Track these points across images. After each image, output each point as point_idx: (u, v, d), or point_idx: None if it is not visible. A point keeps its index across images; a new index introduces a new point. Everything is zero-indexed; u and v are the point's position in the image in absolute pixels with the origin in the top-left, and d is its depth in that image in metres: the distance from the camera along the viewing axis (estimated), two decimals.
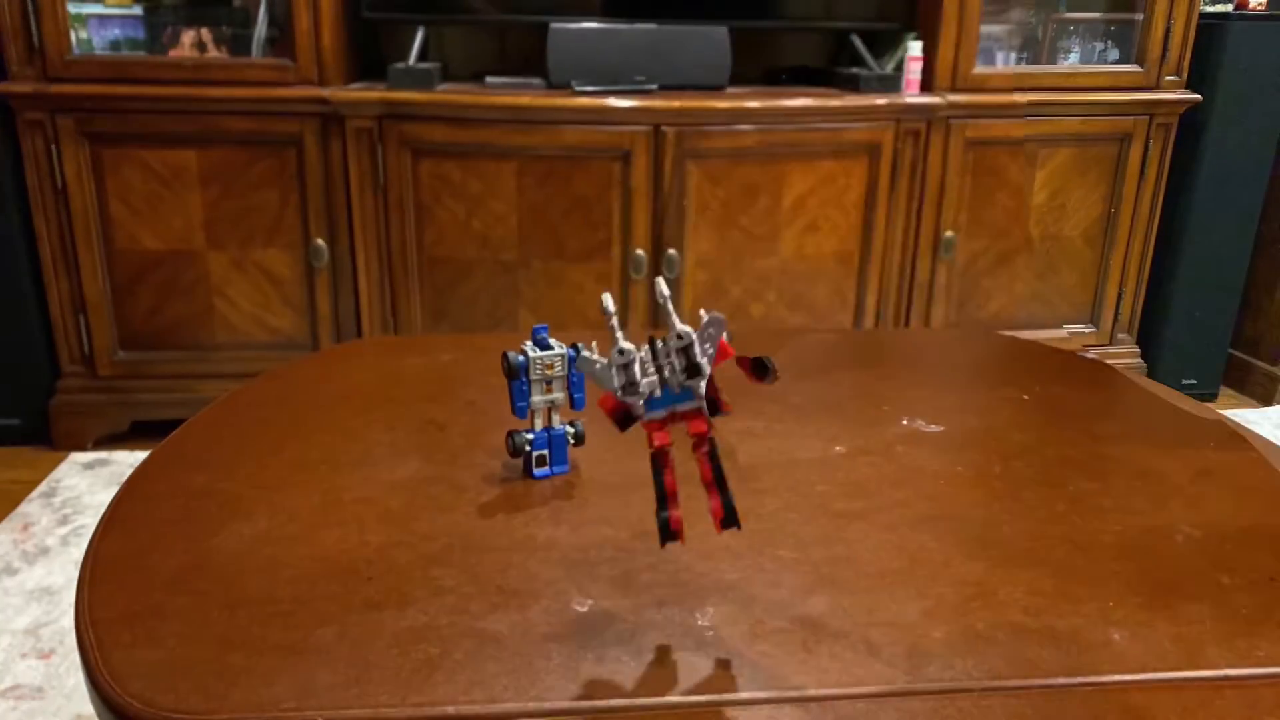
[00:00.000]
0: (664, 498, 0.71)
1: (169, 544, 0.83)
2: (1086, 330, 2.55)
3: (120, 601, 0.75)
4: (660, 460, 0.71)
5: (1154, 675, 0.69)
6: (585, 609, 0.75)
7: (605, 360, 0.71)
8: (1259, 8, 2.56)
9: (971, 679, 0.68)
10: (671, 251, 2.16)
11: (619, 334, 0.71)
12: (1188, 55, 2.39)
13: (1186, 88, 2.41)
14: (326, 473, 0.96)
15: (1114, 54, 2.50)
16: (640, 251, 2.16)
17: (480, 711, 0.65)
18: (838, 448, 1.03)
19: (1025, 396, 1.19)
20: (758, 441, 1.04)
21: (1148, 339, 2.63)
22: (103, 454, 2.24)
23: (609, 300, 0.71)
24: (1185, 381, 2.64)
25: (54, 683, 1.47)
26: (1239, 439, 1.08)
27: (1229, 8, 2.66)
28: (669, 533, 0.71)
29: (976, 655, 0.70)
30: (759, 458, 1.00)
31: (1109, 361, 2.48)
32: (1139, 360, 2.60)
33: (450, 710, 0.65)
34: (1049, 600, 0.77)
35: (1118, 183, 2.43)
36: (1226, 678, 0.69)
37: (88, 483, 2.10)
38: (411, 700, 0.65)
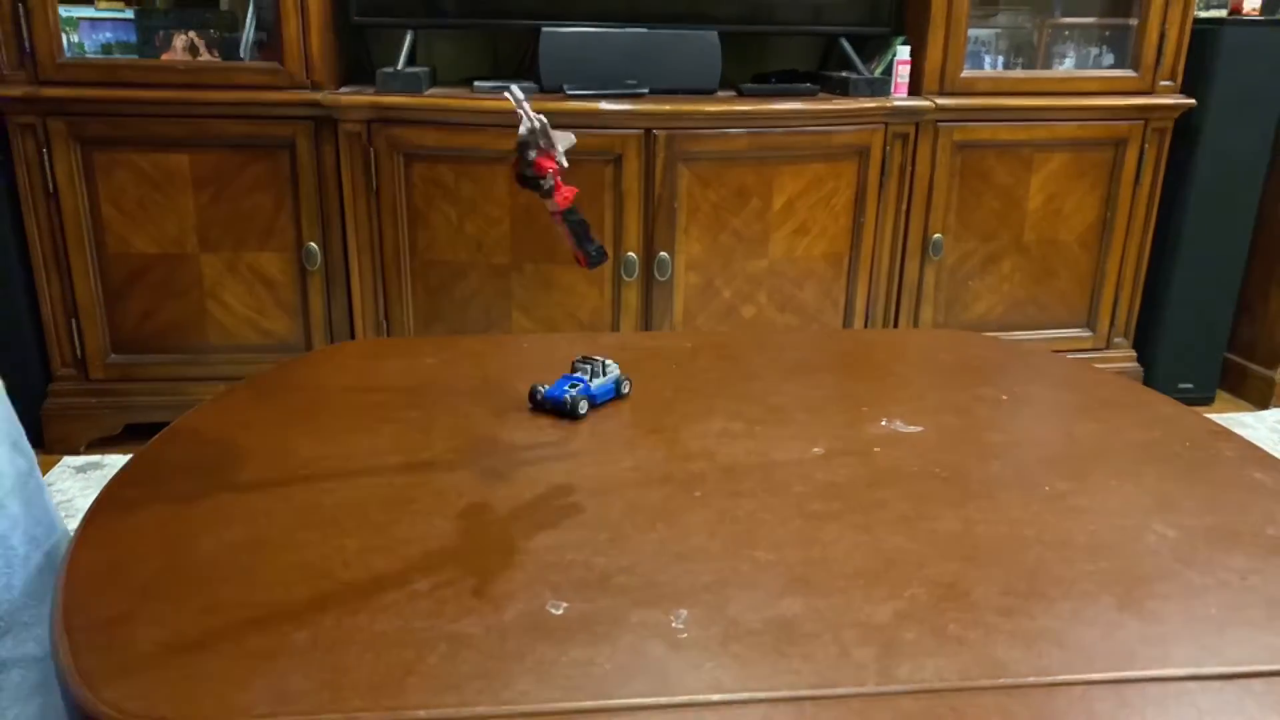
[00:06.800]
0: (587, 231, 0.97)
1: (146, 550, 0.83)
2: (1083, 334, 2.55)
3: (95, 608, 0.75)
4: (573, 212, 0.96)
5: (1125, 674, 0.69)
6: (560, 611, 0.75)
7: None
8: (1253, 13, 2.57)
9: (943, 680, 0.68)
10: (663, 254, 2.17)
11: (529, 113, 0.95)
12: (1182, 60, 2.39)
13: (1181, 92, 2.41)
14: (305, 477, 0.96)
15: (1109, 59, 2.50)
16: (632, 254, 2.16)
17: (453, 715, 0.65)
18: (816, 449, 1.03)
19: (1004, 397, 1.19)
20: (736, 443, 1.04)
21: (1144, 343, 2.63)
22: (95, 457, 2.24)
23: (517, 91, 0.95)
24: (1181, 385, 2.64)
25: None
26: (1218, 439, 1.08)
27: (1223, 13, 2.66)
28: (603, 254, 0.99)
29: (948, 656, 0.70)
30: (737, 459, 1.00)
31: (1105, 366, 2.48)
32: (1135, 364, 2.60)
33: (423, 714, 0.65)
34: (1021, 600, 0.77)
35: (1113, 187, 2.43)
36: (1196, 676, 0.69)
37: (80, 486, 2.10)
38: (384, 704, 0.65)
